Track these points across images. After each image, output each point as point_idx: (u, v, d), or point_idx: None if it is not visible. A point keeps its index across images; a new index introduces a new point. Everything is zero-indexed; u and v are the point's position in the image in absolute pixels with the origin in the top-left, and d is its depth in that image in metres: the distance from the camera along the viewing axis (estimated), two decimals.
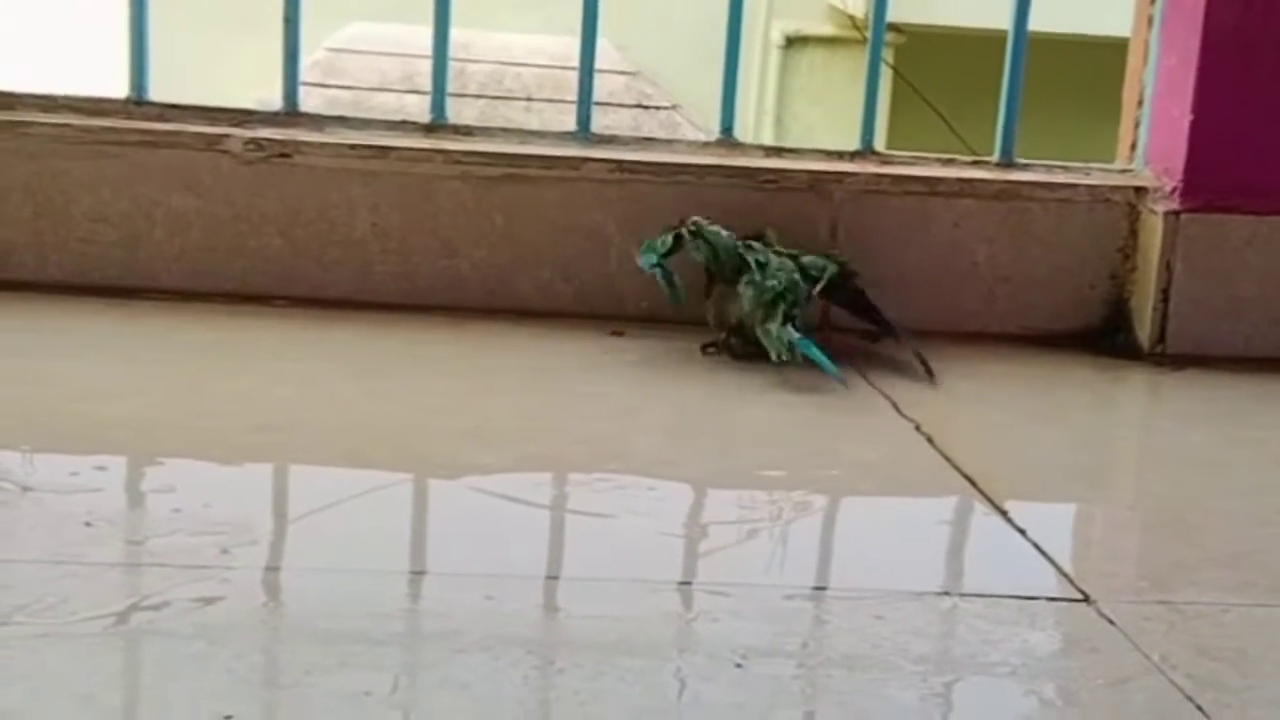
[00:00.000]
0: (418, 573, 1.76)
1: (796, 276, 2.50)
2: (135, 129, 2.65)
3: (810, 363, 2.41)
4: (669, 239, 2.53)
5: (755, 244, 2.55)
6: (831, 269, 2.54)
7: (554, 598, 1.72)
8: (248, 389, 2.26)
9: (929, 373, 2.51)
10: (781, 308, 2.47)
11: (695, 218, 2.55)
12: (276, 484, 2.03)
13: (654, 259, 2.52)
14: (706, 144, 2.83)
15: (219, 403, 2.20)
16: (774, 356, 2.41)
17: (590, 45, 2.80)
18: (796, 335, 2.44)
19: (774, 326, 2.45)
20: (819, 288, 2.53)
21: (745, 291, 2.49)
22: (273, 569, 1.72)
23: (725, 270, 2.52)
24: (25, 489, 1.85)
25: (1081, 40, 6.23)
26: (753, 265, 2.50)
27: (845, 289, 2.59)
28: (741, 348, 2.50)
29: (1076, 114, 6.28)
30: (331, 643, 1.54)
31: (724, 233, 2.54)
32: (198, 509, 1.81)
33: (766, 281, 2.48)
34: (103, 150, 2.63)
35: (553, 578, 1.78)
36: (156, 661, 1.51)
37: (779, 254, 2.54)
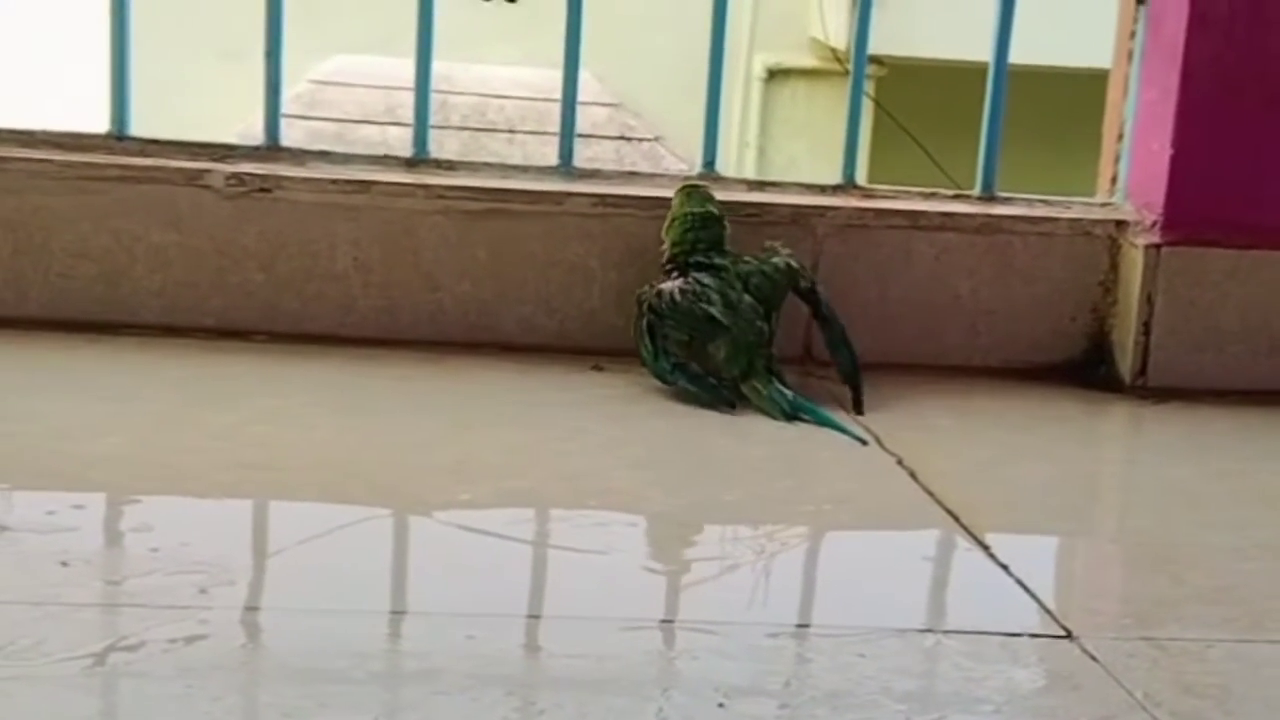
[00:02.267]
0: (398, 612, 1.75)
1: (759, 324, 2.49)
2: (116, 164, 2.64)
3: (819, 423, 2.40)
4: (648, 342, 2.50)
5: (711, 278, 2.51)
6: (789, 265, 2.56)
7: (535, 636, 1.71)
8: (228, 426, 2.25)
9: (858, 402, 2.50)
10: (759, 363, 2.47)
11: (649, 293, 2.52)
12: (256, 522, 2.02)
13: (666, 372, 2.49)
14: (689, 178, 2.83)
15: (198, 440, 2.19)
16: (777, 418, 2.41)
17: (572, 79, 2.80)
18: (790, 394, 2.44)
19: (761, 385, 2.45)
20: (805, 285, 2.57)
21: (716, 350, 2.47)
22: (251, 609, 1.71)
23: (701, 330, 2.50)
24: (1, 528, 1.83)
25: (1061, 72, 6.26)
26: (721, 320, 2.47)
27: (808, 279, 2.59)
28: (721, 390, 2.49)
29: (1056, 146, 6.30)
30: (311, 684, 1.53)
31: (676, 291, 2.50)
32: (176, 548, 1.79)
33: (738, 343, 2.46)
34: (83, 185, 2.63)
35: (534, 616, 1.77)
36: (134, 704, 1.49)
37: (751, 272, 2.53)
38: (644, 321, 2.51)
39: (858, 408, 2.49)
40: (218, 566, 1.75)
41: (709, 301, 2.49)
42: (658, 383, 2.52)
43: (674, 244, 2.57)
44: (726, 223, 2.59)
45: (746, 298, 2.51)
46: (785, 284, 2.56)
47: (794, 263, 2.57)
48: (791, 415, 2.41)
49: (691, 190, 2.62)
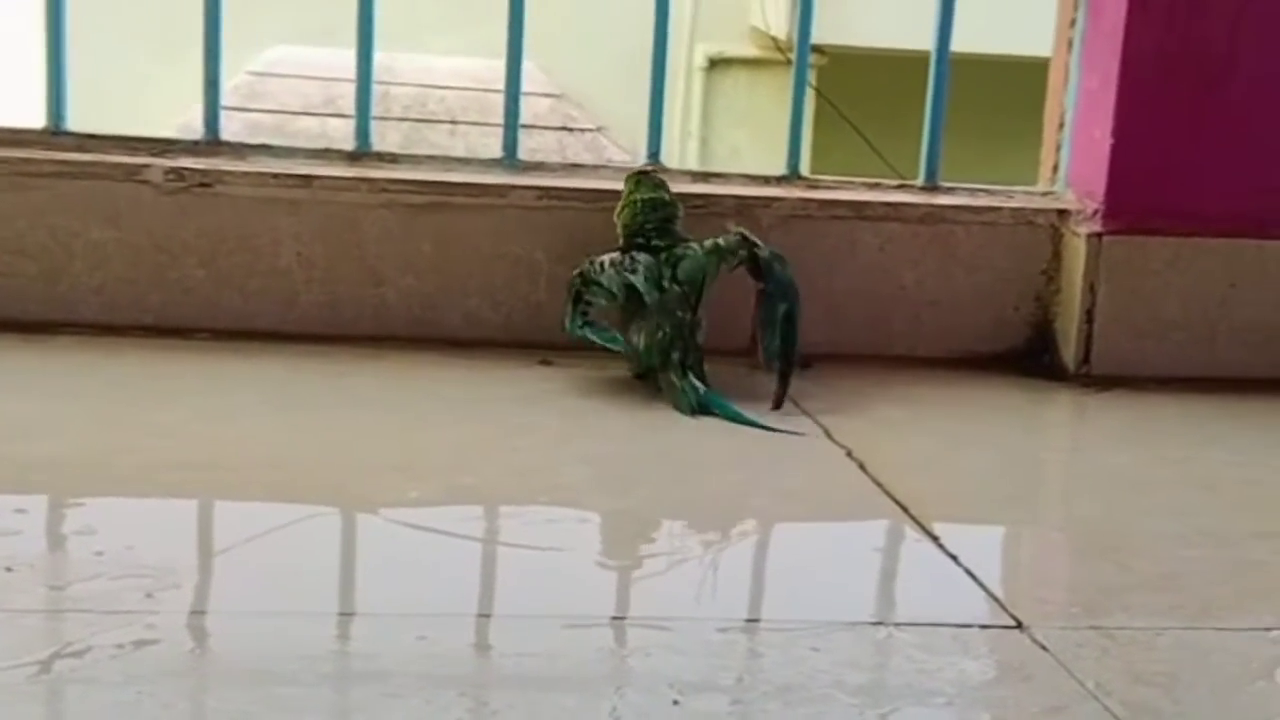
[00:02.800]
0: (347, 613, 1.74)
1: (681, 314, 2.45)
2: (53, 160, 2.60)
3: (728, 418, 2.38)
4: (569, 307, 2.50)
5: (645, 255, 2.49)
6: (717, 245, 2.50)
7: (486, 636, 1.70)
8: (170, 425, 2.22)
9: (781, 394, 2.43)
10: (674, 356, 2.44)
11: (585, 262, 2.51)
12: (201, 523, 2.00)
13: (576, 327, 2.49)
14: (642, 168, 2.81)
15: (141, 440, 2.16)
16: (685, 412, 2.39)
17: (516, 71, 2.79)
18: (701, 389, 2.42)
19: (676, 378, 2.43)
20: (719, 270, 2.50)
21: (637, 337, 2.47)
22: (199, 612, 1.69)
23: (630, 304, 2.49)
24: None
25: (1002, 60, 6.29)
26: (639, 289, 2.46)
27: (748, 255, 2.51)
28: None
29: (998, 134, 6.34)
30: (261, 687, 1.51)
31: (608, 260, 2.49)
32: (121, 551, 1.77)
33: (656, 334, 2.45)
34: (20, 181, 2.59)
35: (485, 615, 1.76)
36: (80, 711, 1.47)
37: (682, 256, 2.49)
38: (574, 289, 2.51)
39: (776, 402, 2.43)
40: (164, 570, 1.73)
41: (633, 271, 2.47)
42: (606, 376, 2.51)
43: (624, 228, 2.56)
44: (679, 207, 2.58)
45: (675, 287, 2.48)
46: (715, 264, 2.50)
47: (723, 241, 2.51)
48: (699, 410, 2.39)
49: (642, 176, 2.61)
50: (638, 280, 2.47)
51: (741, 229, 2.55)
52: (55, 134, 2.67)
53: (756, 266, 2.51)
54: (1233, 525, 2.15)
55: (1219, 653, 1.72)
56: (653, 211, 2.55)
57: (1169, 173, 2.76)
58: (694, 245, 2.53)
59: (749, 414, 2.39)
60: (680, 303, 2.47)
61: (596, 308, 2.50)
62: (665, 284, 2.48)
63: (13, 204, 2.59)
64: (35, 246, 2.60)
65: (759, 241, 2.52)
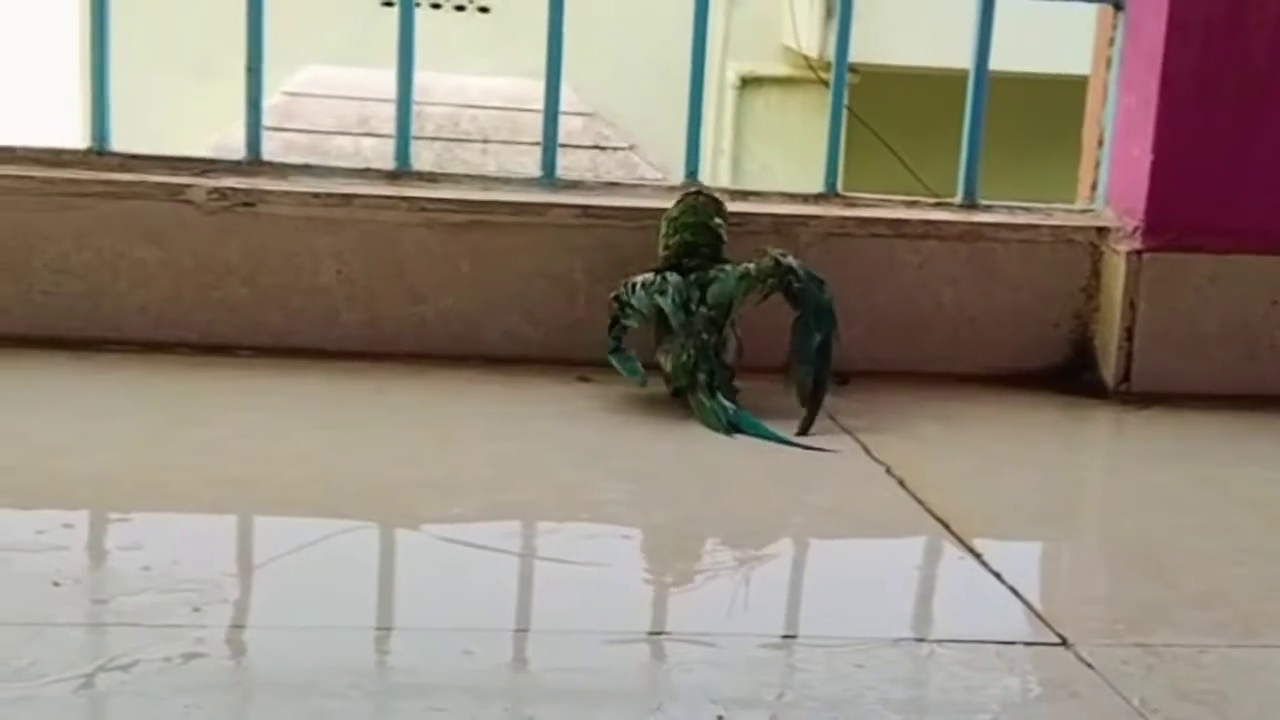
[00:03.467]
0: (393, 628, 1.74)
1: (706, 336, 2.45)
2: (97, 180, 2.63)
3: (760, 437, 2.38)
4: (609, 329, 2.50)
5: (676, 277, 2.50)
6: (748, 272, 2.48)
7: (529, 651, 1.71)
8: (214, 441, 2.24)
9: (808, 422, 2.42)
10: (700, 377, 2.45)
11: (622, 284, 2.51)
12: (245, 539, 2.01)
13: (610, 351, 2.48)
14: (672, 188, 2.83)
15: (185, 456, 2.18)
16: (717, 430, 2.39)
17: (555, 90, 2.80)
18: (731, 408, 2.42)
19: (705, 399, 2.43)
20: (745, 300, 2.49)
21: (664, 358, 2.48)
22: (247, 627, 1.70)
23: (660, 325, 2.50)
24: None
25: (1039, 79, 6.28)
26: (672, 323, 2.47)
27: (779, 282, 2.48)
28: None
29: (1033, 151, 6.33)
30: (306, 702, 1.52)
31: (641, 282, 2.49)
32: (167, 566, 1.78)
33: (681, 357, 2.46)
34: (65, 202, 2.61)
35: (529, 630, 1.76)
36: None
37: (712, 279, 2.49)
38: (612, 314, 2.51)
39: (803, 428, 2.41)
40: (210, 584, 1.74)
41: (662, 293, 2.48)
42: (644, 393, 2.51)
43: (664, 249, 2.58)
44: (720, 232, 2.58)
45: (703, 310, 2.49)
46: (744, 290, 2.49)
47: (754, 268, 2.49)
48: (731, 429, 2.40)
49: (687, 198, 2.61)
50: (665, 302, 2.48)
51: (776, 254, 2.51)
52: (99, 154, 2.69)
53: (790, 294, 2.49)
54: (1276, 542, 2.14)
55: (1266, 670, 1.72)
56: (691, 236, 2.56)
57: (1209, 190, 2.76)
58: (727, 268, 2.53)
59: (781, 432, 2.39)
60: (707, 325, 2.48)
61: (631, 330, 2.50)
62: (693, 306, 2.49)
63: (58, 224, 2.62)
64: (80, 266, 2.63)
65: (795, 267, 2.48)
